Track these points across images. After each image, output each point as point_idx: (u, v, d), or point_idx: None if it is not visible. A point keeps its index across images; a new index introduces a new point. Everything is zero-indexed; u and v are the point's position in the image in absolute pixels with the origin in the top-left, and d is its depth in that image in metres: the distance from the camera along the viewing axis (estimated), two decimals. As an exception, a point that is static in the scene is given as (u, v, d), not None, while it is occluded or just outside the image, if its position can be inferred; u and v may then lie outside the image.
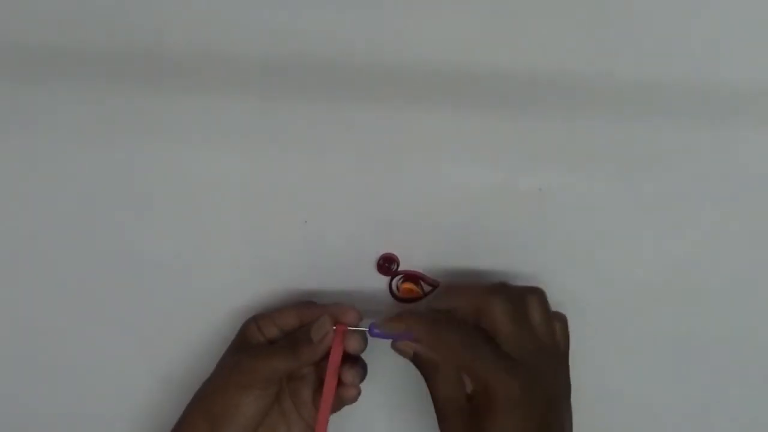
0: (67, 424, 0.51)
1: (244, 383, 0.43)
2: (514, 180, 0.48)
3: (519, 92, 0.47)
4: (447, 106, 0.47)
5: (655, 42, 0.46)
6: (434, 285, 0.48)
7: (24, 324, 0.50)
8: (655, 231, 0.48)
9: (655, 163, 0.47)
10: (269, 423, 0.45)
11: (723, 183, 0.47)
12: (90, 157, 0.48)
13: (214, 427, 0.43)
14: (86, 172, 0.48)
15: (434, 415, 0.42)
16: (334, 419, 0.43)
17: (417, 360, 0.43)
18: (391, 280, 0.48)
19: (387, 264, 0.48)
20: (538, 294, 0.43)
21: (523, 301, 0.42)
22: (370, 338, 0.44)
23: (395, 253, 0.48)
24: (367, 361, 0.45)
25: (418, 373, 0.43)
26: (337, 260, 0.48)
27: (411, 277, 0.48)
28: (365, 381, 0.45)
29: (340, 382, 0.44)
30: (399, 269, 0.48)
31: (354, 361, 0.44)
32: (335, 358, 0.43)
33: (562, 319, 0.44)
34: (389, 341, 0.43)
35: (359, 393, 0.44)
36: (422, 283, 0.48)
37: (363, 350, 0.44)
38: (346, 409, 0.45)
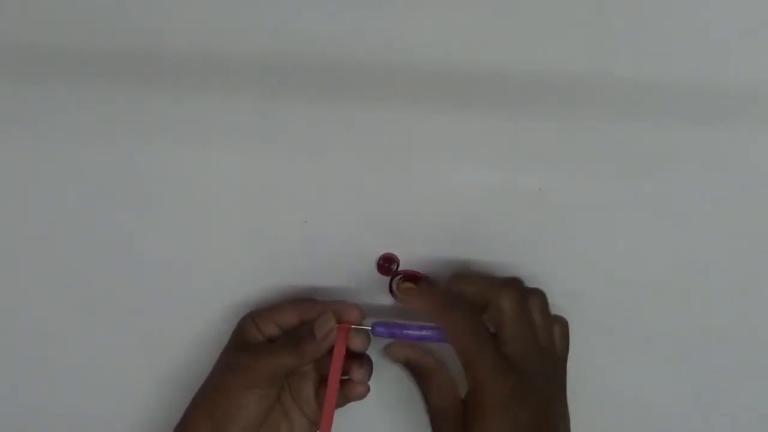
0: (67, 424, 0.51)
1: (247, 383, 0.43)
2: (514, 180, 0.48)
3: (519, 92, 0.47)
4: (447, 106, 0.47)
5: (655, 42, 0.46)
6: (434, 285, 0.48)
7: (24, 324, 0.50)
8: (655, 231, 0.48)
9: (655, 163, 0.47)
10: (271, 421, 0.44)
11: (723, 183, 0.47)
12: (90, 157, 0.48)
13: (218, 428, 0.43)
14: (86, 172, 0.48)
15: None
16: (337, 415, 0.43)
17: (409, 366, 0.43)
18: (391, 280, 0.48)
19: (387, 264, 0.48)
20: (539, 295, 0.43)
21: (527, 301, 0.42)
22: (372, 337, 0.44)
23: (395, 253, 0.48)
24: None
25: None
26: (337, 260, 0.48)
27: (411, 277, 0.48)
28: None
29: (348, 380, 0.43)
30: (399, 269, 0.48)
31: (362, 359, 0.44)
32: (339, 355, 0.42)
33: (562, 323, 0.44)
34: (389, 341, 0.43)
35: (368, 390, 0.44)
36: (422, 283, 0.49)
37: (367, 348, 0.44)
38: (349, 405, 0.45)
